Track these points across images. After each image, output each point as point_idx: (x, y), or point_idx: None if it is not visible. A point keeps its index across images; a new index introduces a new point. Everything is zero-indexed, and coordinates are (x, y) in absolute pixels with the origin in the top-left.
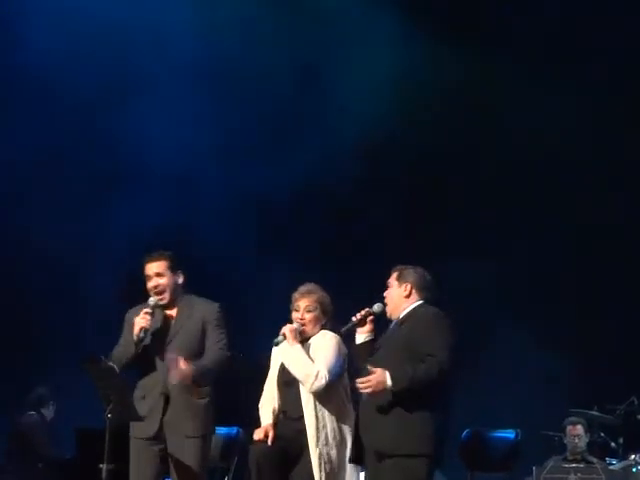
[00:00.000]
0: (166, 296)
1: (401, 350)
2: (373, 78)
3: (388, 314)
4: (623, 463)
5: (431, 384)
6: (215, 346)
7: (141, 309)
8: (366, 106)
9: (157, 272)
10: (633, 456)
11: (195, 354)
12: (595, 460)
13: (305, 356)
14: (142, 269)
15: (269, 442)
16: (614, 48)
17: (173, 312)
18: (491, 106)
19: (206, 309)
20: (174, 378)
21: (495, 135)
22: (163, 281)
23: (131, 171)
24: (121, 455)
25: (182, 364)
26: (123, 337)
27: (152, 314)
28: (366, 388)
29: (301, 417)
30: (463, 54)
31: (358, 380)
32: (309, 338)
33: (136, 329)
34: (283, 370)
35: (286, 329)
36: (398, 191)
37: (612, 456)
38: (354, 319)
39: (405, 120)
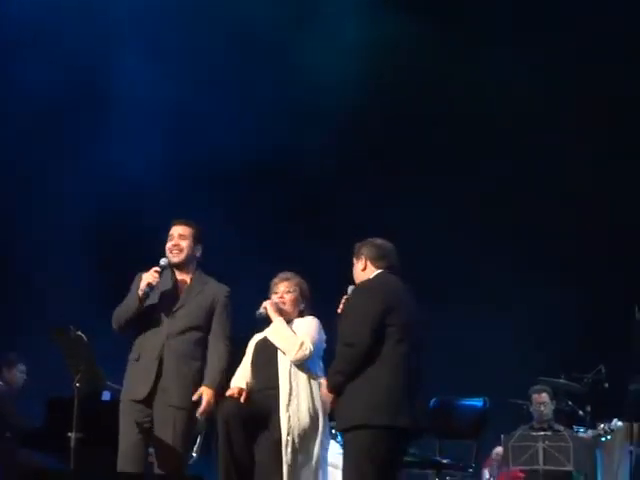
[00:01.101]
0: (181, 257)
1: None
2: (339, 47)
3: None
4: (592, 432)
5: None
6: (220, 344)
7: None
8: (330, 75)
9: (181, 234)
10: (602, 425)
11: (197, 328)
12: (562, 428)
13: (288, 328)
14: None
15: (242, 400)
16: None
17: (183, 280)
18: (454, 73)
19: (218, 289)
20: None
21: (457, 101)
22: (184, 243)
23: None
24: (90, 423)
25: (206, 400)
26: (129, 294)
27: (161, 273)
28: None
29: (274, 387)
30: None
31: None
32: (290, 322)
33: (143, 284)
34: (258, 350)
35: (267, 303)
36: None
37: (579, 424)
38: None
39: (371, 88)
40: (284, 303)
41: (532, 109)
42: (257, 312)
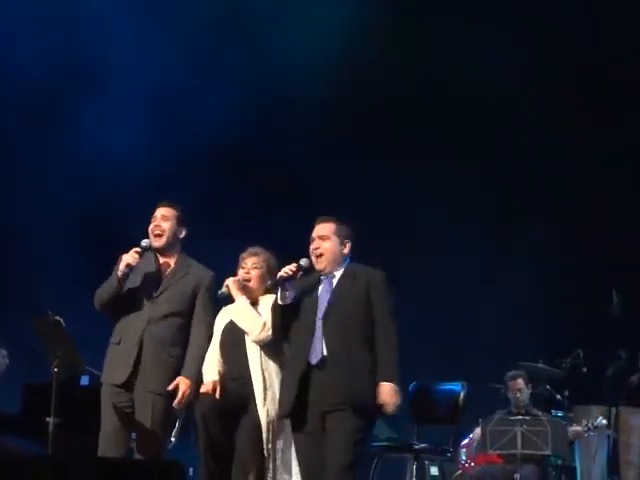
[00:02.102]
0: (162, 240)
1: (361, 308)
2: (318, 29)
3: (321, 268)
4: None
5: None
6: (201, 331)
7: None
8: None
9: (163, 215)
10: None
11: (179, 314)
12: (540, 412)
13: (251, 307)
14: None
15: (217, 395)
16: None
17: (166, 264)
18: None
19: (202, 274)
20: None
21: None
22: (166, 225)
23: None
24: (68, 408)
25: (182, 390)
26: (112, 275)
27: (141, 254)
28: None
29: (247, 378)
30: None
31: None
32: (257, 301)
33: (122, 264)
34: (226, 332)
35: (229, 281)
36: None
37: (557, 408)
38: (285, 273)
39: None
40: (249, 279)
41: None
42: (219, 291)
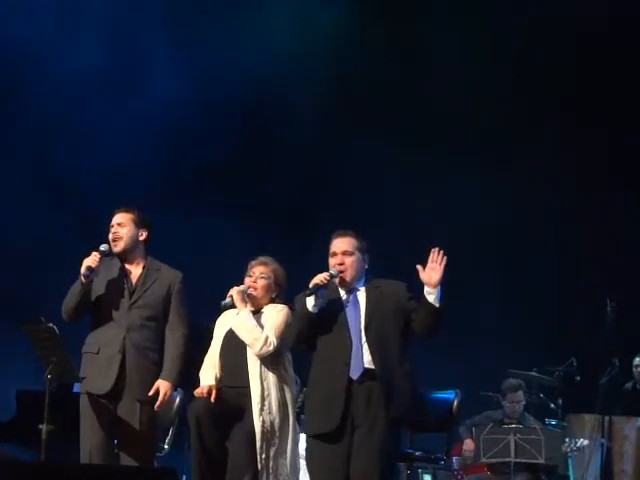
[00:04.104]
0: (120, 244)
1: (395, 320)
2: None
3: (348, 280)
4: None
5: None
6: (177, 334)
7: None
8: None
9: (119, 222)
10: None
11: (156, 319)
12: (532, 419)
13: (253, 320)
14: None
15: (212, 399)
16: None
17: (134, 269)
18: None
19: (173, 276)
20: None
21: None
22: (123, 231)
23: None
24: (61, 416)
25: (162, 393)
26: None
27: (102, 257)
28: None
29: (245, 386)
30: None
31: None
32: (260, 310)
33: (83, 268)
34: (227, 338)
35: (233, 291)
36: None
37: (551, 417)
38: (320, 281)
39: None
40: (256, 288)
41: None
42: (222, 302)
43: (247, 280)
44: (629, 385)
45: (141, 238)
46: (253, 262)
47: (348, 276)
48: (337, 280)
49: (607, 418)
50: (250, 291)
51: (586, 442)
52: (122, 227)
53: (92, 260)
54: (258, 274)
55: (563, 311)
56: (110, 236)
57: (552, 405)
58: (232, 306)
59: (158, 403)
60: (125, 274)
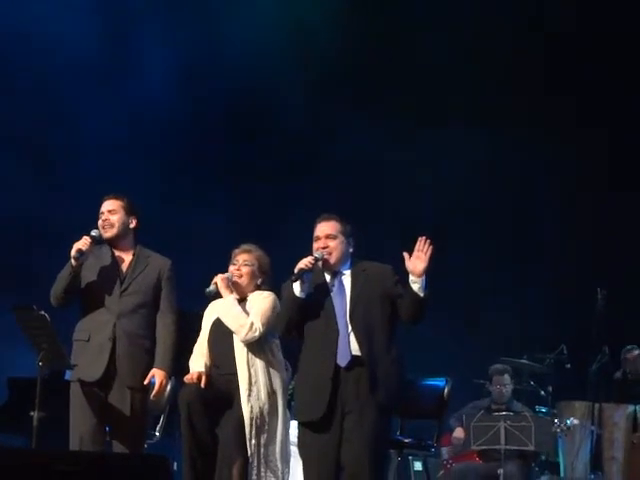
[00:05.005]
0: (112, 231)
1: (381, 304)
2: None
3: (332, 262)
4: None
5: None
6: (168, 321)
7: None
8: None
9: (110, 209)
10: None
11: (146, 305)
12: (520, 406)
13: (238, 307)
14: None
15: (202, 385)
16: None
17: (124, 256)
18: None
19: (162, 263)
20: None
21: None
22: (114, 218)
23: None
24: (52, 403)
25: (158, 382)
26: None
27: (92, 242)
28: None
29: (233, 373)
30: None
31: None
32: (246, 297)
33: (73, 250)
34: (215, 325)
35: (217, 278)
36: None
37: (541, 404)
38: (304, 265)
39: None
40: (240, 275)
41: None
42: (207, 289)
43: (231, 268)
44: (619, 374)
45: (131, 225)
46: (236, 250)
47: (332, 259)
48: (321, 264)
49: (597, 405)
50: (234, 279)
51: (576, 421)
52: (113, 214)
53: (83, 243)
54: (242, 262)
55: (554, 299)
56: (100, 222)
57: (542, 392)
58: (216, 293)
59: (154, 392)
60: (115, 261)
